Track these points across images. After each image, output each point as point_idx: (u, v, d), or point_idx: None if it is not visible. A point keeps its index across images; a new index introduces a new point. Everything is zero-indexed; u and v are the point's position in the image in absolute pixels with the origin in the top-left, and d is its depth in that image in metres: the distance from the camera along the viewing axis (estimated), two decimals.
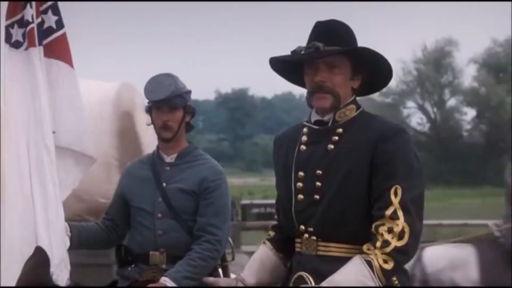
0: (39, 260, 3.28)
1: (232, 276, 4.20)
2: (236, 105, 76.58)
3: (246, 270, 3.40)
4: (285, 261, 3.41)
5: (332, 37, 3.17)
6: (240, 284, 3.36)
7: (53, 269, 3.60)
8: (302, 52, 3.18)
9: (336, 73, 3.18)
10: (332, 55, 3.16)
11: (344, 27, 3.25)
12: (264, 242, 3.48)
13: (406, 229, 3.04)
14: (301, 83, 3.34)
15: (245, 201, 21.31)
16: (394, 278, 3.14)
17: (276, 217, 3.53)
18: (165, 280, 3.85)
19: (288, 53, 3.28)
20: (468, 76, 49.67)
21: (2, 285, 3.67)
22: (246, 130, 76.07)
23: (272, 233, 3.48)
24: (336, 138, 3.20)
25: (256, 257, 3.43)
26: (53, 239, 3.73)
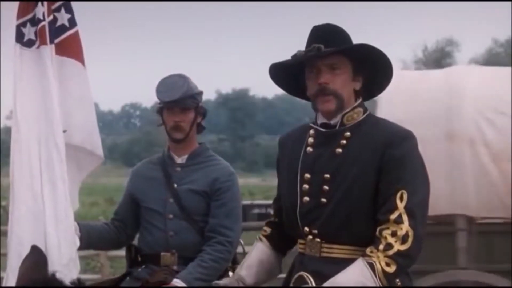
0: (36, 259, 3.28)
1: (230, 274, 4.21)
2: (237, 105, 76.50)
3: (244, 269, 3.38)
4: (281, 259, 3.44)
5: (330, 39, 3.18)
6: (240, 284, 3.35)
7: (61, 268, 3.59)
8: (303, 55, 3.19)
9: (338, 74, 3.19)
10: (333, 56, 3.17)
11: (340, 30, 3.27)
12: (259, 239, 3.46)
13: (410, 233, 3.04)
14: (299, 94, 3.36)
15: (246, 202, 21.25)
16: (397, 280, 3.12)
17: (273, 216, 3.51)
18: (176, 282, 3.83)
19: (289, 54, 3.28)
20: None
21: (10, 283, 3.66)
22: (246, 131, 75.99)
23: (268, 229, 3.47)
24: (344, 141, 3.20)
25: (255, 257, 3.41)
26: (62, 237, 3.70)
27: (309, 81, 3.24)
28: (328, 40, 3.17)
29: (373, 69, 3.25)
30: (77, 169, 4.08)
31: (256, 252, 3.43)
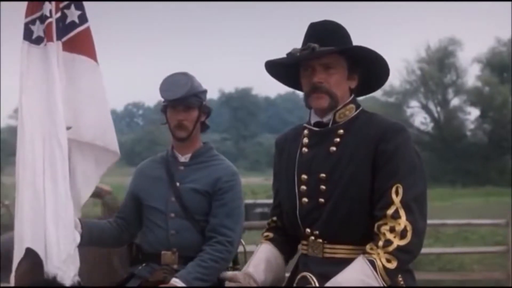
0: (32, 262, 3.28)
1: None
2: (240, 105, 76.47)
3: (252, 267, 3.34)
4: (286, 262, 3.43)
5: (326, 37, 3.17)
6: (252, 283, 3.29)
7: (59, 264, 3.62)
8: (298, 54, 3.17)
9: (332, 74, 3.18)
10: (328, 56, 3.16)
11: (338, 27, 3.25)
12: (262, 242, 3.44)
13: (409, 228, 3.03)
14: (297, 86, 3.34)
15: (248, 201, 21.24)
16: (400, 279, 3.14)
17: (270, 219, 3.52)
18: (175, 281, 3.81)
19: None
20: (472, 75, 49.66)
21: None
22: (249, 130, 75.94)
23: (271, 234, 3.46)
24: (338, 139, 3.19)
25: (262, 256, 3.38)
26: (61, 234, 3.69)
27: (304, 79, 3.24)
28: (324, 39, 3.16)
29: (369, 68, 3.23)
30: (95, 164, 4.06)
31: (262, 252, 3.41)
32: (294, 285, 3.28)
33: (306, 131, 3.31)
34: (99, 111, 4.02)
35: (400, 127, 3.18)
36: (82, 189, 3.99)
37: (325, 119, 3.25)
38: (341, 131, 3.21)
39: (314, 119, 3.29)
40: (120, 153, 4.16)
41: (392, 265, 3.02)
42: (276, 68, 3.34)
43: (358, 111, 3.26)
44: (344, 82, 3.22)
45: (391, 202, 3.06)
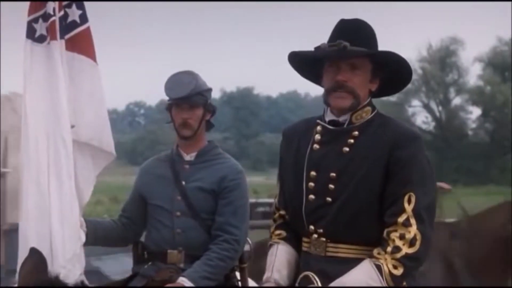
0: (36, 261, 3.29)
1: (251, 282, 4.19)
2: (241, 104, 76.53)
3: (276, 273, 3.33)
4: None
5: (356, 37, 3.15)
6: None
7: (65, 263, 3.64)
8: (327, 49, 3.15)
9: (357, 74, 3.17)
10: (356, 56, 3.15)
11: (368, 28, 3.24)
12: (277, 242, 3.41)
13: (418, 237, 3.05)
14: (314, 80, 3.33)
15: (251, 200, 21.18)
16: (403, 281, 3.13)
17: (277, 213, 3.49)
18: (183, 281, 3.81)
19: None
20: (473, 75, 49.67)
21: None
22: (251, 129, 75.99)
23: (283, 232, 3.43)
24: (352, 141, 3.19)
25: (283, 260, 3.36)
26: (66, 233, 3.70)
27: (327, 75, 3.22)
28: (354, 38, 3.14)
29: (391, 73, 3.23)
30: (91, 165, 4.06)
31: (281, 254, 3.38)
32: (297, 284, 3.28)
33: (319, 128, 3.29)
34: (97, 111, 4.03)
35: (416, 135, 3.19)
36: (85, 189, 4.00)
37: (341, 119, 3.24)
38: (356, 132, 3.20)
39: (329, 117, 3.27)
40: (119, 153, 4.16)
41: (399, 271, 3.04)
42: (299, 60, 3.31)
43: (373, 113, 3.26)
44: (366, 84, 3.22)
45: (403, 210, 3.07)
